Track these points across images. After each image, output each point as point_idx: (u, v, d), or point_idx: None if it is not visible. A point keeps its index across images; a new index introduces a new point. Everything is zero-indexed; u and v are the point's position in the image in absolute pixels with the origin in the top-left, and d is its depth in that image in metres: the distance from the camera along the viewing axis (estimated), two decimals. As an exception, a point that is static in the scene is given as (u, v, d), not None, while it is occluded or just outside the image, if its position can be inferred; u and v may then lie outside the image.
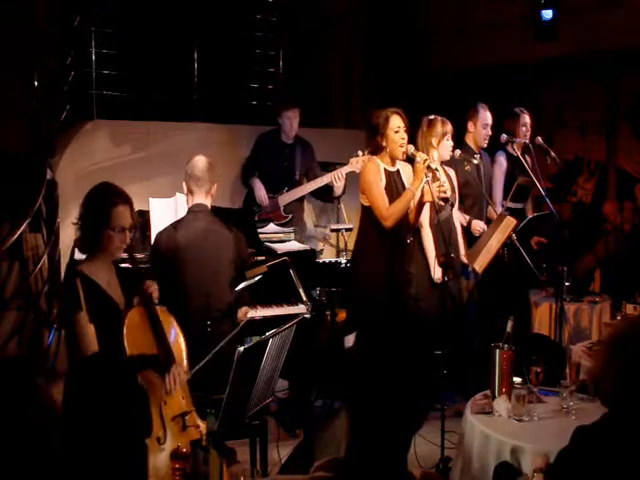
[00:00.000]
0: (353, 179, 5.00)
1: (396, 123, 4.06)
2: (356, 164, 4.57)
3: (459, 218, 4.69)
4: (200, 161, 3.56)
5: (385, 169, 4.12)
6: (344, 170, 4.78)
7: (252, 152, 5.47)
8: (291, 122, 5.27)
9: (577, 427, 1.89)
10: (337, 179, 4.83)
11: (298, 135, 5.40)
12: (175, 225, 3.56)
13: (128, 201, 2.85)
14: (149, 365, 2.72)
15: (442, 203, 4.16)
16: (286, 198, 5.26)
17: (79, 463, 2.65)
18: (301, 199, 5.36)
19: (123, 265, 3.02)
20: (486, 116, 4.88)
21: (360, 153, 4.55)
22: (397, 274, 4.14)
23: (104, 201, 2.81)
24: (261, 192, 5.23)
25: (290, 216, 5.24)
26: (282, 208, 5.25)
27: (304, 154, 5.37)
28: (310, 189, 5.21)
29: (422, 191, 3.95)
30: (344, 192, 5.13)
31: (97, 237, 2.80)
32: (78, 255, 3.05)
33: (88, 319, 2.68)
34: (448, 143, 4.45)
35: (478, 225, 4.73)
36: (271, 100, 6.55)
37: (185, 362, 2.89)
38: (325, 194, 5.23)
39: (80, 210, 2.85)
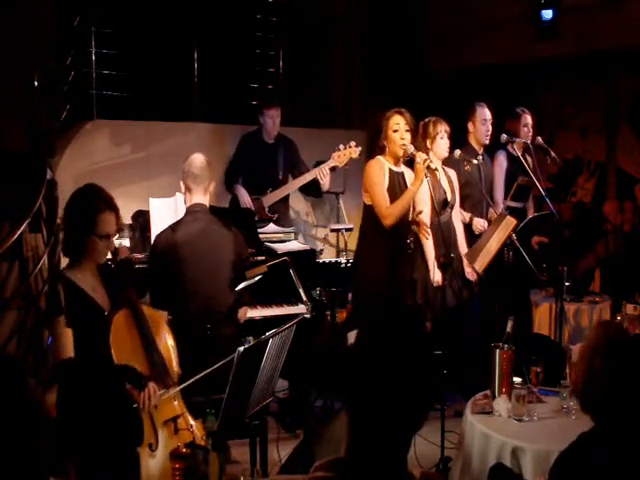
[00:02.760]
0: (352, 180, 5.01)
1: (395, 122, 4.05)
2: (338, 158, 4.60)
3: (460, 217, 4.69)
4: (197, 159, 3.51)
5: (390, 169, 4.12)
6: (327, 166, 4.77)
7: (235, 153, 5.44)
8: (273, 121, 5.27)
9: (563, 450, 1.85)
10: (322, 176, 4.82)
11: (280, 133, 5.37)
12: (173, 227, 3.51)
13: (114, 208, 2.79)
14: (125, 378, 2.65)
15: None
16: (270, 199, 5.23)
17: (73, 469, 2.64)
18: (285, 198, 5.33)
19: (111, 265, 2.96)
20: (484, 112, 4.88)
21: (342, 147, 4.59)
22: (398, 273, 4.14)
23: (89, 207, 2.74)
24: (245, 199, 5.20)
25: (276, 216, 5.22)
26: (266, 209, 5.22)
27: (287, 152, 5.34)
28: (294, 187, 5.20)
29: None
30: (344, 190, 5.12)
31: (81, 242, 2.75)
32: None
33: (65, 324, 2.65)
34: (442, 142, 4.43)
35: (479, 223, 4.73)
36: (270, 100, 6.54)
37: (175, 364, 2.86)
38: (313, 190, 5.21)
39: (64, 213, 2.78)
